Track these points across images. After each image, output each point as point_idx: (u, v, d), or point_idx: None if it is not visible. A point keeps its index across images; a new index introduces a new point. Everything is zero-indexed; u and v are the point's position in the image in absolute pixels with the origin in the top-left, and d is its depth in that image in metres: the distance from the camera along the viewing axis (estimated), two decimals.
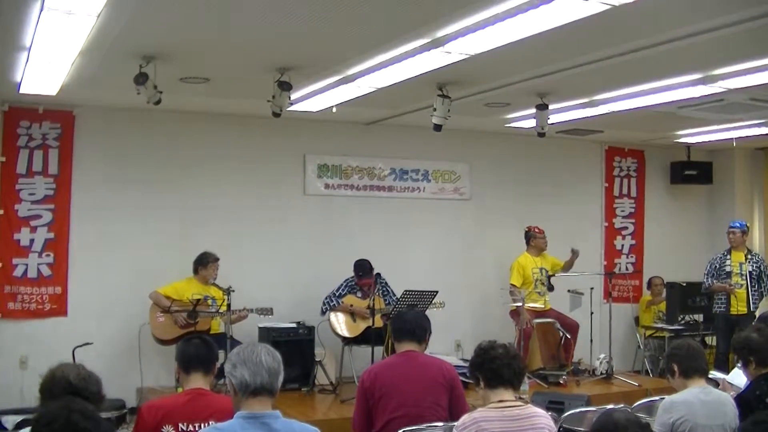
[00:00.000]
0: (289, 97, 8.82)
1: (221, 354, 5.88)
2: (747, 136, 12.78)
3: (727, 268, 11.64)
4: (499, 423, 4.73)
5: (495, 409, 4.83)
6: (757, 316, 9.61)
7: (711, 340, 12.80)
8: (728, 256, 11.77)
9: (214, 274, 10.40)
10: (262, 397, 4.04)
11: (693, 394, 5.79)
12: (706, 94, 9.32)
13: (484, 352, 5.01)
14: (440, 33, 6.97)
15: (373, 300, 10.47)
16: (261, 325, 10.56)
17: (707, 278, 11.82)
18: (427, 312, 8.86)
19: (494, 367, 4.92)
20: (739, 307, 11.45)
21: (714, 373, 6.85)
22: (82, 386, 4.16)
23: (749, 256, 11.82)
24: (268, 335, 10.42)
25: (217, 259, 10.44)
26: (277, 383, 4.09)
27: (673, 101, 9.80)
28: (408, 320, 6.32)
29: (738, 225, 12.01)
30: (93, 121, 10.79)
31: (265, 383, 4.03)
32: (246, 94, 9.95)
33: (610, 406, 5.48)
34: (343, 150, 12.20)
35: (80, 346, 9.61)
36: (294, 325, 10.89)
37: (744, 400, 5.96)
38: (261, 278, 11.25)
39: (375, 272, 10.85)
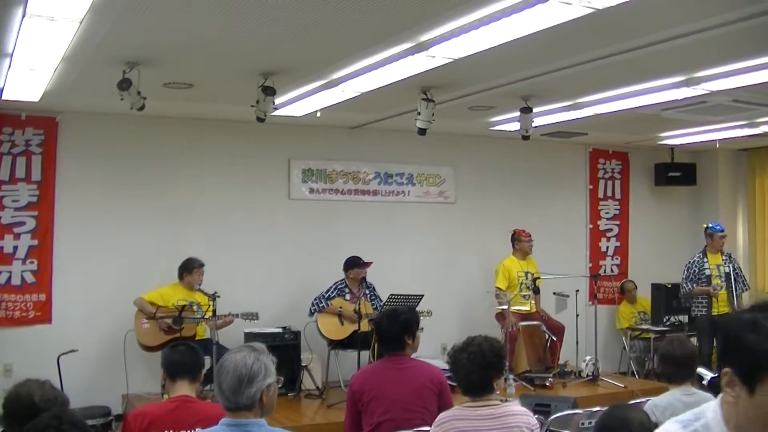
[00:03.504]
0: (273, 102, 8.80)
1: (207, 360, 5.85)
2: (730, 138, 12.83)
3: (707, 272, 11.63)
4: (474, 421, 4.82)
5: (470, 407, 4.91)
6: None
7: (693, 342, 12.83)
8: (705, 259, 11.76)
9: (200, 279, 10.37)
10: (238, 410, 3.96)
11: (675, 396, 5.85)
12: (690, 96, 9.34)
13: (454, 362, 5.04)
14: (424, 37, 6.96)
15: (359, 304, 10.49)
16: (247, 331, 10.52)
17: (686, 282, 11.79)
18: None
19: (460, 378, 5.00)
20: (720, 308, 11.45)
21: (701, 371, 6.89)
22: (45, 408, 4.04)
23: (724, 258, 11.85)
24: (253, 340, 10.32)
25: (202, 265, 10.41)
26: (244, 395, 3.90)
27: (656, 103, 9.82)
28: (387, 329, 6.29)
29: (722, 228, 12.02)
30: (76, 127, 10.75)
31: (230, 399, 3.92)
32: (230, 100, 9.93)
33: (630, 402, 5.50)
34: (327, 154, 12.20)
35: (65, 353, 9.58)
36: (280, 330, 10.89)
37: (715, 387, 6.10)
38: (246, 283, 11.24)
39: (362, 276, 10.90)
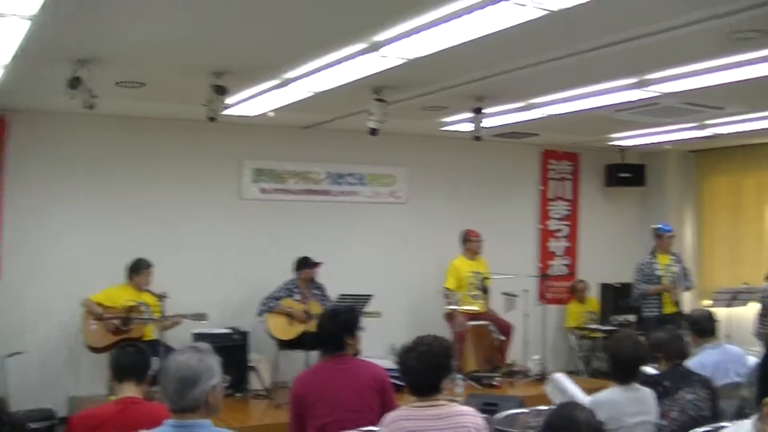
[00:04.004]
0: (225, 102, 8.76)
1: (155, 361, 5.79)
2: (680, 139, 12.95)
3: (657, 272, 11.72)
4: (422, 422, 4.81)
5: (418, 408, 4.90)
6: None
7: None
8: (655, 260, 11.85)
9: (148, 280, 10.28)
10: (183, 411, 3.92)
11: (616, 392, 5.94)
12: (642, 97, 9.41)
13: (402, 362, 5.05)
14: (377, 37, 6.95)
15: (309, 304, 10.48)
16: (195, 331, 10.44)
17: (639, 284, 11.89)
18: (363, 320, 8.84)
19: (409, 378, 5.01)
20: (668, 308, 11.58)
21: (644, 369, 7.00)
22: None
23: (672, 257, 11.97)
24: (202, 341, 10.23)
25: (150, 266, 10.32)
26: (189, 396, 3.86)
27: (609, 105, 9.88)
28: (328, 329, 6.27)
29: (671, 229, 12.13)
30: (27, 126, 10.62)
31: (175, 401, 3.88)
32: (182, 99, 9.87)
33: (573, 401, 5.56)
34: (279, 154, 12.16)
35: (11, 355, 9.48)
36: (228, 330, 10.86)
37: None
38: (195, 284, 11.15)
39: (312, 277, 10.91)
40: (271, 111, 10.22)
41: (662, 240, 11.93)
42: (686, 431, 6.03)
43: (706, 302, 12.04)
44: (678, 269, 11.83)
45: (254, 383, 10.62)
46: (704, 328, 7.79)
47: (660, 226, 12.18)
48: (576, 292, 14.18)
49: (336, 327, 6.08)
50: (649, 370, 6.90)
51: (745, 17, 6.30)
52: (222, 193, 11.81)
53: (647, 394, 6.09)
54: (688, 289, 12.08)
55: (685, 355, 6.86)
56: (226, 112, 9.24)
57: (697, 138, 12.69)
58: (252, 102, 9.75)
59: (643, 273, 11.80)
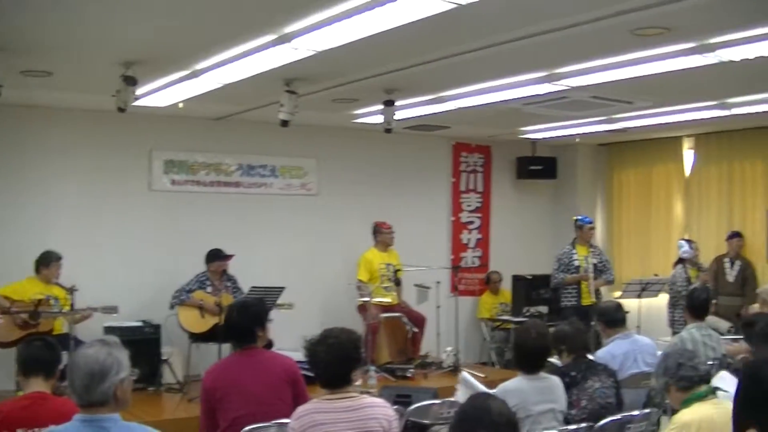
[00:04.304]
0: (135, 92, 8.67)
1: (64, 355, 5.72)
2: (590, 133, 13.13)
3: (576, 263, 11.89)
4: (333, 414, 4.83)
5: (328, 400, 4.92)
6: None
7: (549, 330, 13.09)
8: (574, 251, 12.03)
9: (57, 273, 10.13)
10: (92, 406, 3.87)
11: (523, 381, 6.04)
12: (551, 91, 9.52)
13: (311, 354, 5.06)
14: (288, 29, 6.95)
15: (221, 297, 10.42)
16: (106, 325, 10.31)
17: (558, 273, 12.05)
18: (275, 312, 8.84)
19: (319, 371, 5.03)
20: (587, 299, 11.75)
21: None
22: None
23: (592, 249, 12.15)
24: (113, 334, 10.07)
25: (59, 258, 10.17)
26: (97, 390, 3.79)
27: (518, 98, 9.98)
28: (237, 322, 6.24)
29: (591, 221, 12.33)
30: None
31: (83, 395, 3.81)
32: (90, 89, 9.75)
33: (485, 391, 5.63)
34: (190, 146, 12.05)
35: None
36: (140, 323, 10.73)
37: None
38: (106, 276, 11.04)
39: (224, 269, 10.86)
40: (182, 102, 10.15)
41: (582, 231, 12.12)
42: (596, 418, 6.15)
43: (616, 293, 12.21)
44: (597, 261, 12.02)
45: (167, 377, 10.51)
46: (613, 318, 7.94)
47: (580, 217, 12.39)
48: (491, 283, 14.28)
49: (246, 319, 6.06)
50: (555, 361, 7.01)
51: (647, 14, 6.43)
52: (132, 184, 11.66)
53: (555, 383, 6.18)
54: (609, 282, 12.24)
55: (588, 349, 6.98)
56: (136, 102, 9.14)
57: (607, 131, 12.89)
58: (162, 93, 9.67)
59: (561, 263, 11.98)
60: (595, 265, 11.93)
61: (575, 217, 12.45)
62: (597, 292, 11.85)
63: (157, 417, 8.78)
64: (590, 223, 12.28)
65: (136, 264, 11.49)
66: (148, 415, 8.61)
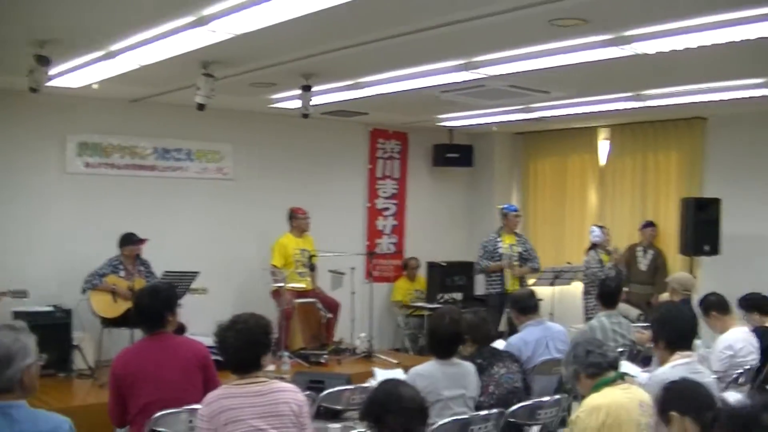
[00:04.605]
0: (48, 72, 8.53)
1: None
2: (506, 121, 13.25)
3: (500, 250, 12.03)
4: (243, 399, 4.84)
5: (238, 385, 4.93)
6: None
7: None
8: (500, 239, 12.16)
9: None
10: None
11: (435, 366, 6.12)
12: (468, 79, 9.56)
13: (221, 340, 5.05)
14: (206, 11, 6.88)
15: (133, 281, 10.32)
16: (15, 309, 10.14)
17: (482, 260, 12.17)
18: (189, 297, 8.76)
19: (228, 356, 5.05)
20: (513, 285, 11.87)
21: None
22: None
23: (518, 238, 12.28)
24: (22, 319, 10.02)
25: None
26: (4, 377, 3.72)
27: (436, 85, 10.01)
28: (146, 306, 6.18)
29: (516, 209, 12.47)
30: None
31: None
32: (2, 68, 9.56)
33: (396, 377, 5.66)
34: (104, 128, 11.87)
35: None
36: (51, 308, 10.56)
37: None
38: (16, 260, 10.89)
39: (137, 253, 10.75)
40: (96, 83, 10.02)
41: (508, 219, 12.31)
42: (505, 404, 6.23)
43: (530, 281, 12.33)
44: (522, 249, 12.20)
45: (78, 362, 10.36)
46: (526, 305, 8.05)
47: (505, 206, 12.60)
48: (408, 269, 14.34)
49: (156, 304, 6.02)
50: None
51: (565, 5, 6.49)
52: (45, 166, 11.47)
53: (467, 369, 6.26)
54: (534, 270, 12.36)
55: (491, 338, 7.05)
56: (49, 83, 9.02)
57: (524, 120, 12.99)
58: (77, 73, 9.52)
59: (486, 250, 12.14)
60: (520, 253, 12.10)
61: (500, 206, 12.63)
62: (522, 280, 12.01)
63: (67, 403, 8.69)
64: (515, 211, 12.46)
65: (47, 247, 11.33)
66: (58, 402, 8.52)
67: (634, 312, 11.25)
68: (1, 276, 9.90)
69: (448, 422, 5.65)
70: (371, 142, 14.58)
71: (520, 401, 6.45)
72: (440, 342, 6.22)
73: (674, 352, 5.71)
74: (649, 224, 12.95)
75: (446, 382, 6.02)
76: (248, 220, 12.93)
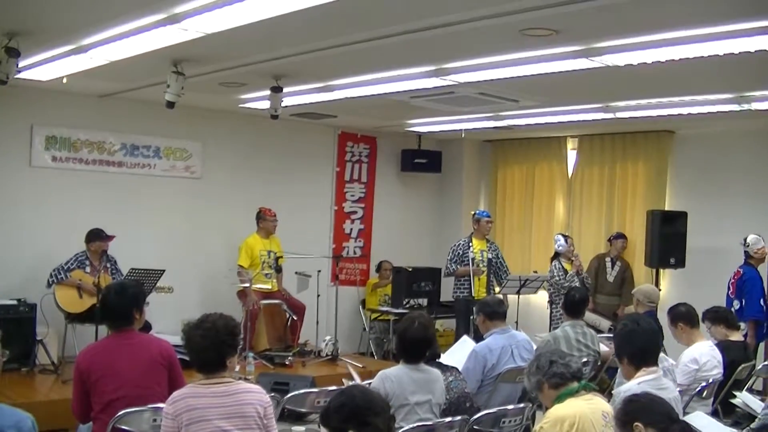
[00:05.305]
0: (17, 65, 8.48)
1: None
2: (476, 128, 13.29)
3: (470, 255, 12.03)
4: (208, 399, 4.84)
5: (204, 385, 4.92)
6: None
7: (441, 324, 13.35)
8: (471, 244, 12.19)
9: None
10: None
11: (404, 371, 6.13)
12: (438, 86, 9.59)
13: (187, 339, 5.04)
14: (178, 9, 6.87)
15: (99, 277, 10.27)
16: None
17: (451, 264, 12.21)
18: (155, 295, 8.72)
19: (194, 356, 5.03)
20: (480, 292, 11.91)
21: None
22: None
23: (489, 245, 12.32)
24: None
25: None
26: None
27: (406, 91, 10.03)
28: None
29: (488, 215, 12.52)
30: None
31: None
32: None
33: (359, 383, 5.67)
34: (73, 122, 11.80)
35: None
36: (14, 302, 10.50)
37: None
38: None
39: (104, 249, 10.68)
40: (66, 77, 9.96)
41: (480, 225, 12.35)
42: (457, 407, 6.35)
43: (496, 289, 12.36)
44: (492, 256, 12.26)
45: (41, 357, 10.30)
46: (495, 311, 8.03)
47: (478, 211, 12.68)
48: (381, 271, 14.31)
49: (124, 301, 5.99)
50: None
51: (536, 15, 6.53)
52: (11, 159, 11.37)
53: (435, 376, 6.27)
54: (503, 278, 12.34)
55: (438, 354, 7.01)
56: (18, 75, 8.95)
57: (493, 128, 13.04)
58: (46, 66, 9.45)
59: (456, 254, 12.18)
60: (490, 260, 12.14)
61: (473, 211, 12.69)
62: (490, 287, 12.04)
63: (30, 398, 8.62)
64: (488, 216, 12.52)
65: (12, 241, 11.25)
66: (21, 396, 8.47)
67: (606, 323, 11.27)
68: None
69: (414, 427, 5.66)
70: (340, 145, 14.58)
71: (471, 405, 6.53)
72: (409, 346, 6.23)
73: (639, 369, 5.75)
74: (620, 236, 12.99)
75: (413, 387, 6.03)
76: (215, 219, 12.91)
